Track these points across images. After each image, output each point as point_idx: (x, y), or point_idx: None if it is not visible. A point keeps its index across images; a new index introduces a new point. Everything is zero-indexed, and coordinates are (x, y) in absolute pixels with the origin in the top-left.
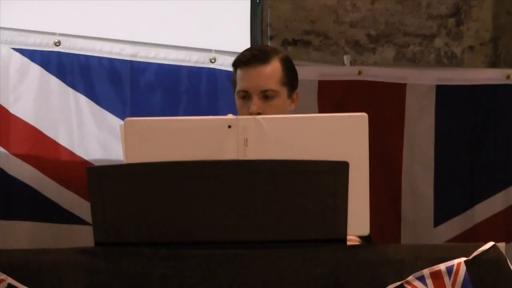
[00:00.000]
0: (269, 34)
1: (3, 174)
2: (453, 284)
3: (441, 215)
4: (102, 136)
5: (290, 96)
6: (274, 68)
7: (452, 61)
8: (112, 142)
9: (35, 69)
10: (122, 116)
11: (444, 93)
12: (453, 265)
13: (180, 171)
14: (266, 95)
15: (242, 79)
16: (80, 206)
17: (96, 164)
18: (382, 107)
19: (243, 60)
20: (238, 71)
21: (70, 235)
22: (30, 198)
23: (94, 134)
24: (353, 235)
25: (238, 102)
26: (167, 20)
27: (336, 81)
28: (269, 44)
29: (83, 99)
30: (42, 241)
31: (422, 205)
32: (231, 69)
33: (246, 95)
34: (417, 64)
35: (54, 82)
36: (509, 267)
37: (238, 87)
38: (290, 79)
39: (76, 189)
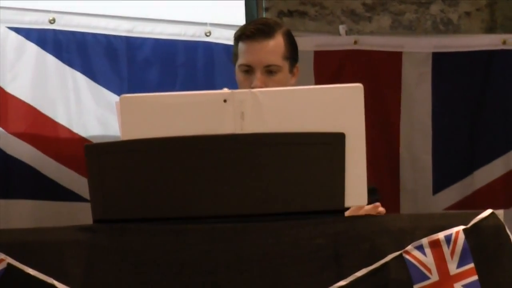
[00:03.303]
0: (264, 5)
1: (2, 153)
2: (452, 253)
3: (440, 183)
4: (100, 112)
5: (291, 70)
6: (277, 42)
7: (448, 27)
8: (110, 118)
9: (31, 48)
10: (119, 92)
11: (440, 60)
12: (452, 233)
13: (177, 146)
14: (270, 70)
15: (245, 53)
16: (79, 183)
17: (95, 141)
18: (379, 76)
19: (247, 34)
20: (241, 45)
21: (71, 213)
22: (30, 177)
23: (92, 111)
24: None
25: (239, 76)
26: None
27: (332, 51)
28: (264, 15)
29: (80, 76)
30: (42, 220)
31: (420, 173)
32: (227, 42)
33: (249, 69)
34: (414, 31)
35: (50, 60)
36: (507, 234)
37: (240, 61)
38: (292, 54)
39: (75, 167)
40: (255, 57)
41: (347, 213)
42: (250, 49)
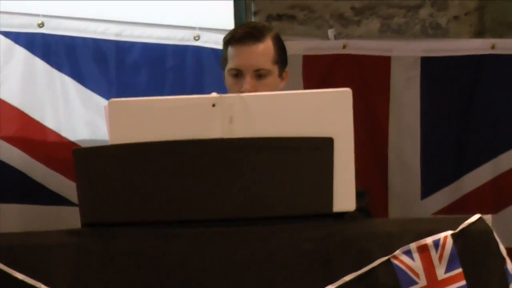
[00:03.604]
0: (253, 9)
1: None
2: (440, 258)
3: (428, 187)
4: (89, 116)
5: (280, 74)
6: (267, 46)
7: (437, 31)
8: (99, 122)
9: (20, 51)
10: (108, 96)
11: (429, 64)
12: (440, 238)
13: (165, 150)
14: (259, 74)
15: (235, 57)
16: (68, 187)
17: (84, 145)
18: (368, 80)
19: (236, 38)
20: (230, 49)
21: (59, 217)
22: (18, 181)
23: (81, 115)
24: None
25: (229, 80)
26: None
27: (321, 56)
28: (253, 19)
29: (68, 80)
30: (31, 224)
31: (409, 178)
32: (216, 46)
33: (238, 74)
34: (403, 35)
35: (39, 64)
36: (495, 239)
37: (229, 65)
38: (281, 58)
39: (64, 171)
40: (244, 61)
41: None
42: (239, 53)
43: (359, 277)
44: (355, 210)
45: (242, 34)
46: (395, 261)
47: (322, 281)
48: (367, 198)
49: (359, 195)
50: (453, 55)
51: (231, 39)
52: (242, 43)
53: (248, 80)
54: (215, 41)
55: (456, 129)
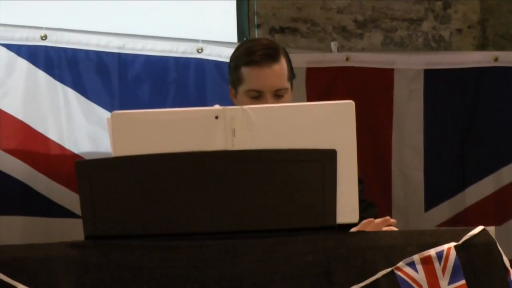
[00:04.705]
0: (256, 22)
1: None
2: (444, 269)
3: (431, 200)
4: (91, 128)
5: (292, 89)
6: (282, 65)
7: (440, 44)
8: (102, 135)
9: (22, 64)
10: (110, 109)
11: (432, 77)
12: (443, 250)
13: (168, 163)
14: (278, 94)
15: (254, 79)
16: (71, 199)
17: (86, 157)
18: (371, 92)
19: (256, 60)
20: (247, 69)
21: (62, 229)
22: (21, 193)
23: (83, 127)
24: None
25: (246, 100)
26: (153, 11)
27: (324, 68)
28: (256, 32)
29: (71, 93)
30: (34, 236)
31: (412, 190)
32: (218, 58)
33: (258, 95)
34: (405, 48)
35: (41, 76)
36: (499, 250)
37: (248, 86)
38: (292, 73)
39: (67, 183)
40: (265, 83)
41: (355, 229)
42: (260, 75)
43: None
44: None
45: (261, 55)
46: (399, 273)
47: None
48: (375, 209)
49: (369, 206)
50: (456, 67)
51: (251, 61)
52: (262, 65)
53: (270, 101)
54: (218, 54)
55: (459, 142)
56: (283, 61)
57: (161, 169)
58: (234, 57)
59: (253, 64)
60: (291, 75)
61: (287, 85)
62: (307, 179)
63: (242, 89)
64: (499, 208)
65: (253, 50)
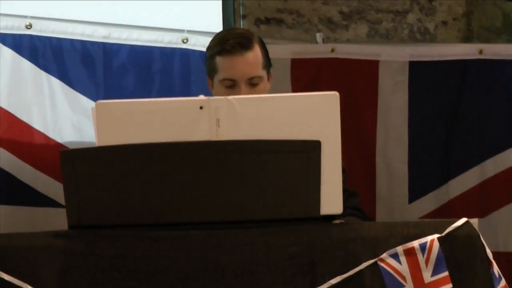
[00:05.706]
0: (241, 13)
1: None
2: (427, 261)
3: (415, 191)
4: (76, 118)
5: (268, 78)
6: (256, 53)
7: (425, 36)
8: (86, 124)
9: (7, 53)
10: (95, 98)
11: (417, 69)
12: (427, 241)
13: (152, 152)
14: (252, 82)
15: (228, 68)
16: (55, 189)
17: (71, 146)
18: (356, 84)
19: (227, 49)
20: (221, 59)
21: (46, 218)
22: (5, 182)
23: (68, 117)
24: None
25: (221, 90)
26: (139, 1)
27: (309, 59)
28: (242, 23)
29: (56, 82)
30: (18, 225)
31: (396, 182)
32: (204, 49)
33: (232, 84)
34: (390, 40)
35: (26, 65)
36: (482, 243)
37: (222, 76)
38: (268, 61)
39: (51, 172)
40: (238, 71)
41: None
42: (232, 63)
43: (346, 280)
44: (352, 208)
45: (232, 44)
46: (382, 264)
47: (309, 284)
48: (358, 198)
49: (352, 195)
50: (441, 60)
51: (223, 50)
52: (233, 54)
53: (244, 89)
54: (203, 44)
55: (443, 134)
56: (256, 49)
57: (145, 159)
58: (208, 47)
59: (225, 53)
60: (267, 64)
61: (262, 73)
62: (291, 170)
63: (217, 78)
64: (483, 201)
65: (225, 39)
